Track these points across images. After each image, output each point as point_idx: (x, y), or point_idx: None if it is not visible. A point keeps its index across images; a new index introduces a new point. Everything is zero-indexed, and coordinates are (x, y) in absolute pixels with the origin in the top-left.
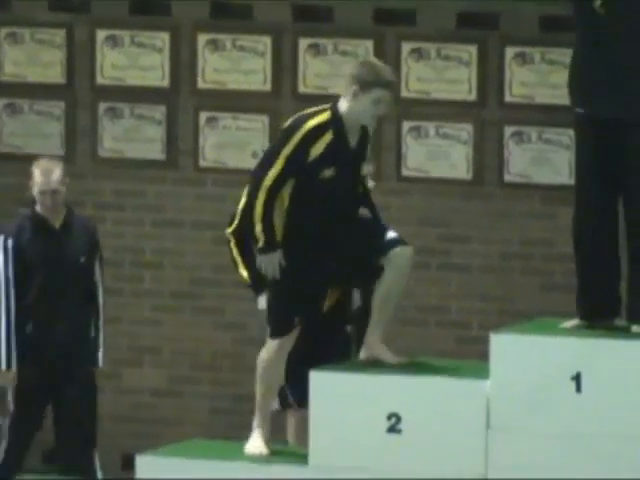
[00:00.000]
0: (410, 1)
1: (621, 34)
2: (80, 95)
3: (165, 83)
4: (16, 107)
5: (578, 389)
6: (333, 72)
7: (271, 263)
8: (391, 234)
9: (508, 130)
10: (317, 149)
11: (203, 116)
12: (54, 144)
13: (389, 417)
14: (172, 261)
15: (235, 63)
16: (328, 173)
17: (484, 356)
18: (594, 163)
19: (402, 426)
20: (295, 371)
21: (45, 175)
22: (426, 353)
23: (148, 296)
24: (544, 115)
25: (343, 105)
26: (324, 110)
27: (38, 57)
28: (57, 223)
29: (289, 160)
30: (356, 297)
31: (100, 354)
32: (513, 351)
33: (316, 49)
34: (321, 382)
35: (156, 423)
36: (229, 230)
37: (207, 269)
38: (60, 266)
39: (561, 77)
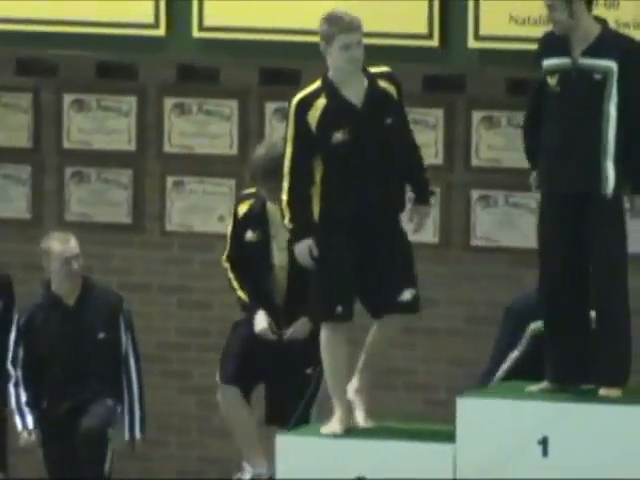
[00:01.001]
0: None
1: (575, 111)
2: (46, 159)
3: (132, 147)
4: None
5: (545, 453)
6: None
7: (301, 252)
8: (405, 294)
9: (475, 194)
10: (313, 116)
11: (170, 180)
12: (20, 208)
13: None
14: (138, 324)
15: (201, 127)
16: (339, 137)
17: (451, 419)
18: (558, 230)
19: None
20: None
21: (64, 242)
22: (393, 416)
23: None
24: (511, 179)
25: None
26: (315, 81)
27: (4, 121)
28: (71, 300)
29: (295, 138)
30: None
31: (137, 425)
32: (479, 415)
33: (282, 113)
34: (287, 446)
35: None
36: (223, 257)
37: (173, 333)
38: (75, 345)
39: None
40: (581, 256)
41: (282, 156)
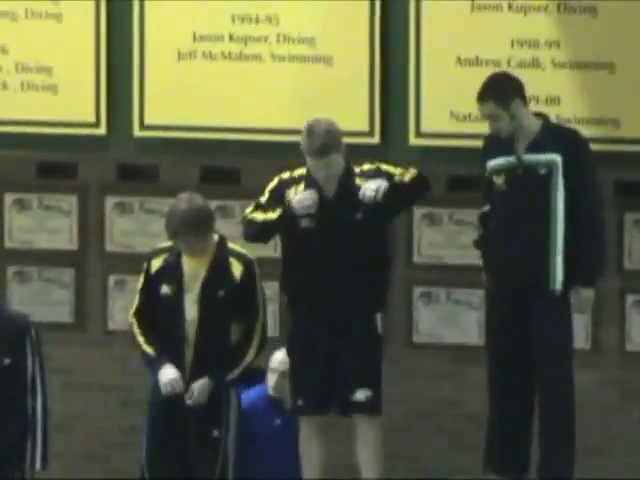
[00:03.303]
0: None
1: (522, 208)
2: None
3: (73, 246)
4: None
5: None
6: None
7: None
8: (358, 394)
9: (417, 290)
10: (290, 195)
11: (112, 279)
12: None
13: None
14: (79, 424)
15: (143, 226)
16: (305, 222)
17: None
18: (505, 325)
19: None
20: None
21: None
22: None
23: (58, 459)
24: (453, 275)
25: None
26: (302, 166)
27: None
28: None
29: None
30: None
31: (38, 455)
32: None
33: (223, 211)
34: None
35: None
36: (131, 312)
37: (116, 432)
38: None
39: (469, 237)
40: (527, 351)
41: (202, 209)
